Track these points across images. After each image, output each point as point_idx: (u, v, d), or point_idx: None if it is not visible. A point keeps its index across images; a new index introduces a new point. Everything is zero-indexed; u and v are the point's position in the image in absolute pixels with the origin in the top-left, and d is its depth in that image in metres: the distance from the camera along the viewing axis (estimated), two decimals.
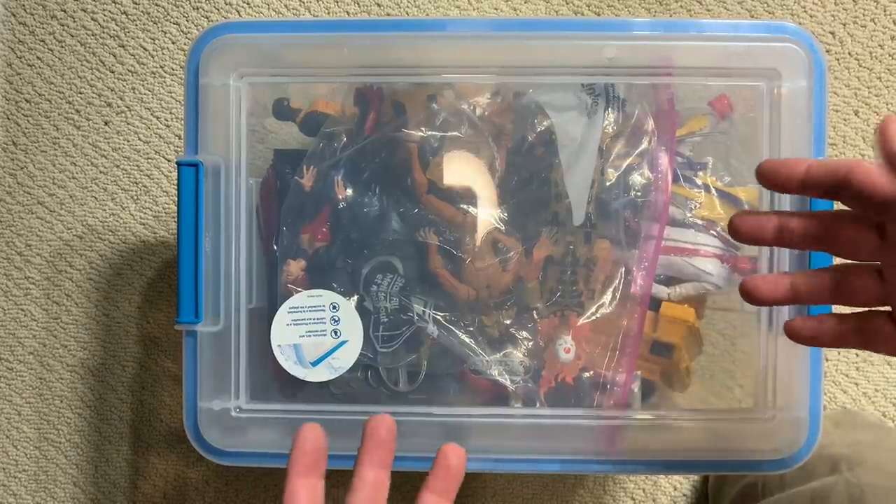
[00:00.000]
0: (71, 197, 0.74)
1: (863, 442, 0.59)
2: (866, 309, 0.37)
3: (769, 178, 0.36)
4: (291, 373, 0.53)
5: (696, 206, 0.55)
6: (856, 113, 0.70)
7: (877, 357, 0.71)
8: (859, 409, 0.71)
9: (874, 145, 0.30)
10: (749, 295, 0.38)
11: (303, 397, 0.55)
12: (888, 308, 0.36)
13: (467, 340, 0.54)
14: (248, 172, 0.52)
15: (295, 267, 0.55)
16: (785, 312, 0.50)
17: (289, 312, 0.53)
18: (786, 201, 0.50)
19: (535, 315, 0.55)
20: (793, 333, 0.38)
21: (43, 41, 0.74)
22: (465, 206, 0.54)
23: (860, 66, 0.70)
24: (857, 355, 0.71)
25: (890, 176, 0.33)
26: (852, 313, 0.37)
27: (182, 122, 0.68)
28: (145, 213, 0.74)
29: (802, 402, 0.50)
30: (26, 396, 0.74)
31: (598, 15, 0.71)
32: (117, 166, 0.74)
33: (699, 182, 0.55)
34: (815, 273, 0.37)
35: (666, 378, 0.56)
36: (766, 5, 0.71)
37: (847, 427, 0.63)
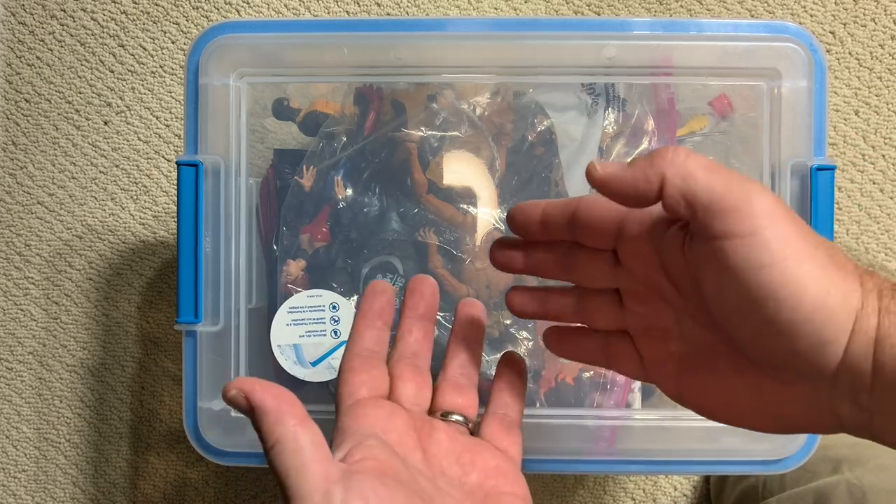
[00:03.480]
0: (71, 197, 0.74)
1: (864, 442, 0.59)
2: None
3: (513, 222, 0.37)
4: (291, 373, 0.53)
5: None
6: (856, 113, 0.70)
7: None
8: None
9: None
10: (510, 306, 0.39)
11: (303, 397, 0.55)
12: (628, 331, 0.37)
13: None
14: (248, 172, 0.52)
15: (295, 267, 0.55)
16: None
17: (289, 312, 0.53)
18: (786, 199, 0.49)
19: None
20: (547, 343, 0.39)
21: (43, 41, 0.74)
22: (465, 206, 0.54)
23: (860, 65, 0.70)
24: None
25: (607, 203, 0.33)
26: (601, 333, 0.38)
27: (182, 121, 0.68)
28: (145, 213, 0.73)
29: None
30: (26, 396, 0.74)
31: (598, 15, 0.71)
32: (117, 166, 0.74)
33: None
34: (563, 292, 0.38)
35: None
36: (766, 5, 0.71)
37: None
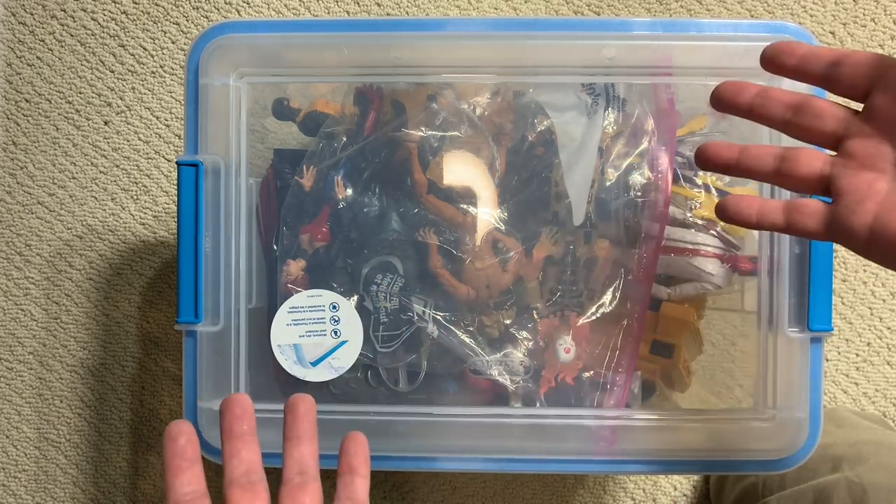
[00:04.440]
0: (71, 197, 0.74)
1: (864, 441, 0.59)
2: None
3: (770, 59, 0.39)
4: (291, 373, 0.53)
5: (696, 206, 0.55)
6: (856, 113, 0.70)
7: (877, 357, 0.71)
8: (859, 409, 0.71)
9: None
10: (701, 155, 0.40)
11: None
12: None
13: (467, 340, 0.54)
14: (248, 172, 0.52)
15: (295, 267, 0.55)
16: (785, 314, 0.50)
17: (289, 312, 0.53)
18: (785, 198, 0.49)
19: (535, 315, 0.55)
20: (723, 206, 0.40)
21: (43, 41, 0.74)
22: (465, 206, 0.54)
23: None
24: (857, 355, 0.71)
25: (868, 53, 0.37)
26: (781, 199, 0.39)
27: (182, 121, 0.68)
28: (145, 213, 0.74)
29: (802, 402, 0.50)
30: (26, 396, 0.74)
31: (598, 15, 0.71)
32: (117, 166, 0.74)
33: (699, 182, 0.55)
34: (762, 146, 0.40)
35: (666, 378, 0.56)
36: (766, 5, 0.71)
37: (849, 427, 0.63)
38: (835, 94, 0.39)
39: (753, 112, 0.40)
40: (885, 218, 0.36)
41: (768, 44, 0.39)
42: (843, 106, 0.39)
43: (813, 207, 0.38)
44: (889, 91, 0.36)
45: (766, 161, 0.39)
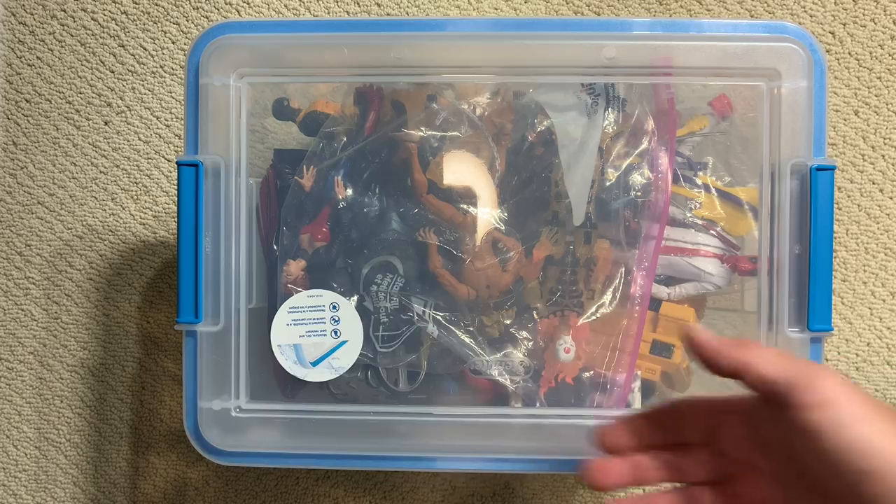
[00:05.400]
0: (71, 197, 0.74)
1: None
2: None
3: (602, 443, 0.41)
4: (291, 373, 0.53)
5: (696, 206, 0.55)
6: (856, 113, 0.70)
7: (877, 357, 0.71)
8: None
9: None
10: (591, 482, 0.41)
11: (303, 397, 0.55)
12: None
13: (467, 340, 0.54)
14: (248, 172, 0.52)
15: (295, 267, 0.55)
16: (785, 314, 0.50)
17: (289, 312, 0.53)
18: (786, 199, 0.50)
19: (535, 315, 0.55)
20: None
21: (43, 41, 0.74)
22: (465, 206, 0.54)
23: (860, 66, 0.70)
24: (857, 355, 0.71)
25: (700, 401, 0.40)
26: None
27: (182, 121, 0.68)
28: (145, 213, 0.74)
29: None
30: (26, 396, 0.74)
31: (598, 15, 0.71)
32: (117, 166, 0.74)
33: (699, 182, 0.55)
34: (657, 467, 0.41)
35: (666, 378, 0.56)
36: (766, 5, 0.71)
37: None
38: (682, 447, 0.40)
39: (639, 484, 0.41)
40: None
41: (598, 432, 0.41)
42: (705, 448, 0.40)
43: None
44: (728, 436, 0.39)
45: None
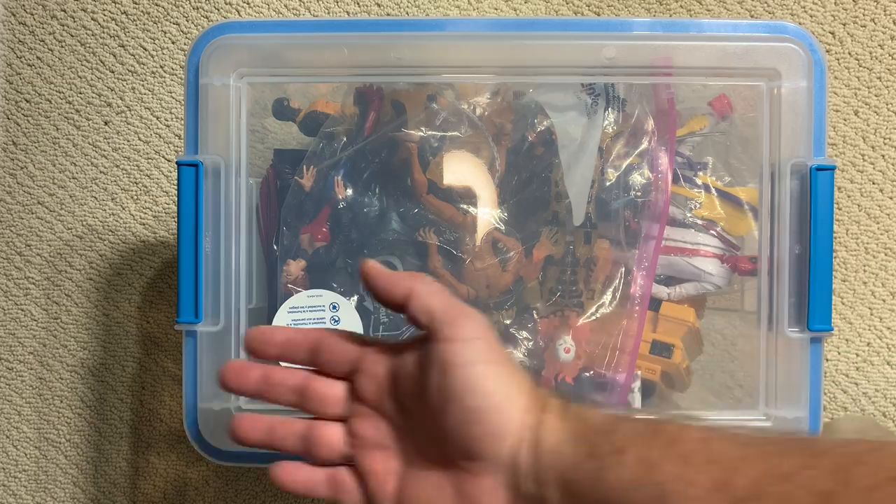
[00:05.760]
0: (71, 197, 0.74)
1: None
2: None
3: (250, 344, 0.41)
4: None
5: (696, 206, 0.55)
6: (856, 113, 0.70)
7: (877, 357, 0.71)
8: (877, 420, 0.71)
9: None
10: (232, 433, 0.41)
11: None
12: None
13: None
14: (248, 172, 0.52)
15: (295, 267, 0.55)
16: (785, 314, 0.50)
17: (289, 312, 0.53)
18: (786, 199, 0.50)
19: (535, 315, 0.55)
20: (276, 477, 0.40)
21: (43, 41, 0.74)
22: (465, 206, 0.54)
23: (860, 66, 0.70)
24: (857, 355, 0.71)
25: (350, 336, 0.40)
26: (327, 466, 0.41)
27: (182, 121, 0.68)
28: (145, 213, 0.74)
29: (802, 402, 0.50)
30: (26, 396, 0.74)
31: (598, 15, 0.71)
32: (117, 166, 0.74)
33: (699, 182, 0.55)
34: (291, 421, 0.41)
35: (666, 378, 0.56)
36: (766, 5, 0.71)
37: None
38: (324, 375, 0.40)
39: (262, 397, 0.41)
40: (406, 498, 0.38)
41: (250, 330, 0.41)
42: (344, 384, 0.40)
43: (350, 486, 0.39)
44: (367, 375, 0.39)
45: (293, 442, 0.40)
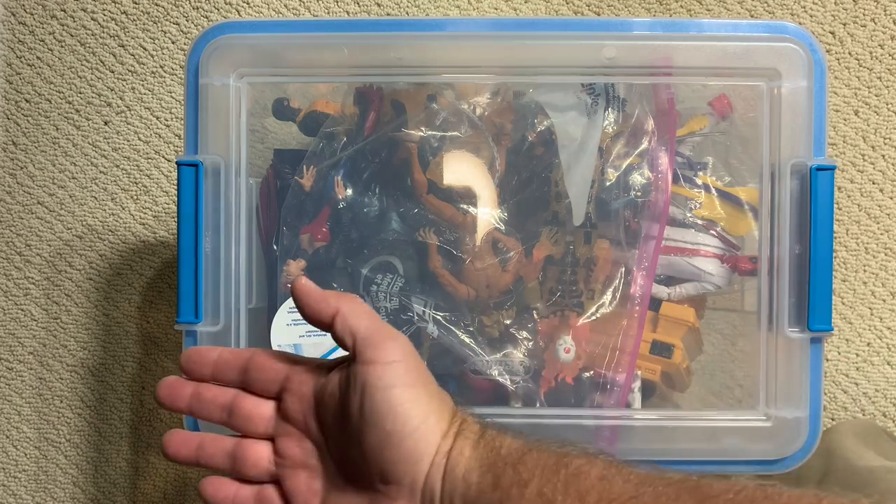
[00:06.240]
0: (71, 197, 0.74)
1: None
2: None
3: (186, 363, 0.42)
4: None
5: (696, 206, 0.55)
6: (856, 113, 0.70)
7: (877, 357, 0.71)
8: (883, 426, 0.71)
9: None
10: (163, 450, 0.42)
11: None
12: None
13: (467, 340, 0.54)
14: (247, 172, 0.52)
15: (295, 267, 0.55)
16: (785, 314, 0.50)
17: (289, 312, 0.53)
18: (786, 199, 0.50)
19: (535, 315, 0.55)
20: (204, 492, 0.41)
21: (43, 41, 0.74)
22: (465, 206, 0.54)
23: (860, 65, 0.70)
24: (857, 355, 0.71)
25: (278, 356, 0.41)
26: (254, 483, 0.41)
27: (182, 121, 0.68)
28: (145, 213, 0.74)
29: (802, 402, 0.50)
30: (26, 396, 0.74)
31: (598, 15, 0.71)
32: (117, 166, 0.74)
33: (699, 182, 0.55)
34: (220, 439, 0.42)
35: (666, 378, 0.56)
36: (766, 5, 0.71)
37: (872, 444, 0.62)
38: (255, 394, 0.41)
39: (193, 414, 0.42)
40: None
41: (186, 350, 0.42)
42: (273, 403, 0.41)
43: None
44: (294, 395, 0.39)
45: (221, 459, 0.41)
